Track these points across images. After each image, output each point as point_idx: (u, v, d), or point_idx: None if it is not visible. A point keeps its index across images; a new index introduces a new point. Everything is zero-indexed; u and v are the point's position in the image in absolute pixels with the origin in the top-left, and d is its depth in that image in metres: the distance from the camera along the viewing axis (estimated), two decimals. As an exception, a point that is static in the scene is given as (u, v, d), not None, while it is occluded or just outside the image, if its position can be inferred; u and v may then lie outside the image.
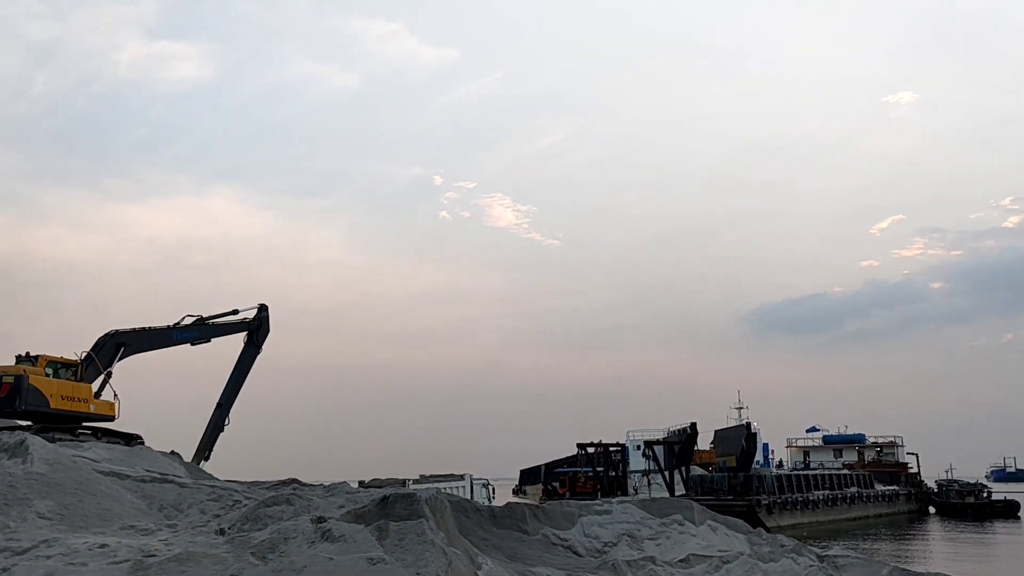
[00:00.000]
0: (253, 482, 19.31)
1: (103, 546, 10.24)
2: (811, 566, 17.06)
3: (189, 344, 30.49)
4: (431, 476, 45.43)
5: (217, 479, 19.66)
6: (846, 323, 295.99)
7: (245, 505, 13.32)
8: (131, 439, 27.11)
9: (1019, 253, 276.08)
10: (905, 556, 43.89)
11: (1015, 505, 78.04)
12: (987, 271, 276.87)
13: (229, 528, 11.87)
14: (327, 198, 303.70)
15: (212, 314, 31.37)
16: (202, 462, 30.65)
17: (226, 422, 31.80)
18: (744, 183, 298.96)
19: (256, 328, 32.71)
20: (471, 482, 47.31)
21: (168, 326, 30.10)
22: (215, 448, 31.58)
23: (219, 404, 31.74)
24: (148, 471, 16.42)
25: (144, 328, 29.50)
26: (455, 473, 48.19)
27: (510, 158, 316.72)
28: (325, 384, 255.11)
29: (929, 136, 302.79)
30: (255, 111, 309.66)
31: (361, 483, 34.41)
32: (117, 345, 28.53)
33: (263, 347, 33.03)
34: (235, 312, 32.10)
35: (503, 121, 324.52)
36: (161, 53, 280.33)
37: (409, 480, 41.79)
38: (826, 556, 18.01)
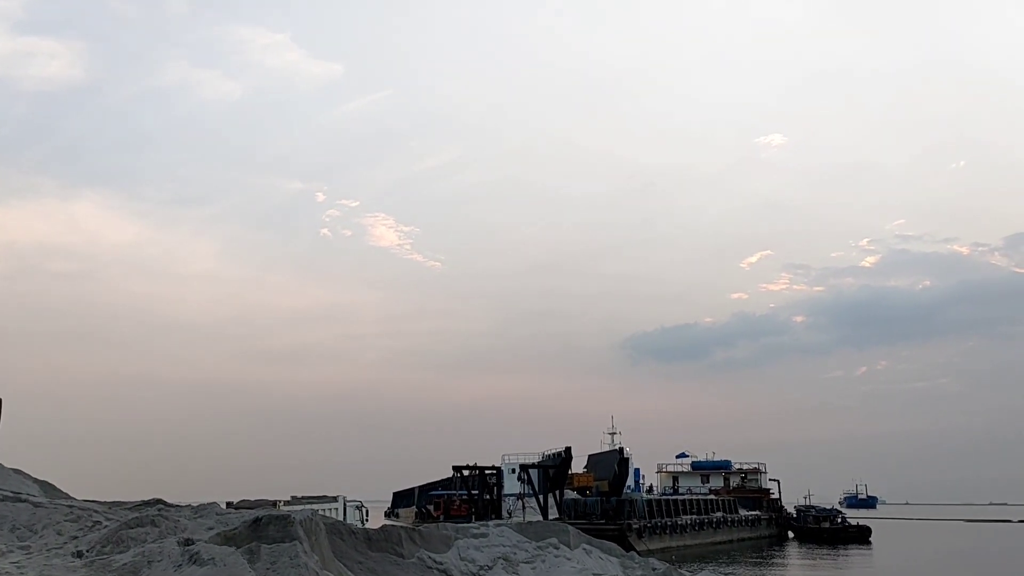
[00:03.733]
0: (114, 502, 18.33)
1: (-54, 570, 9.51)
2: (681, 589, 17.44)
3: None
4: (303, 498, 44.31)
5: (75, 498, 18.58)
6: (715, 352, 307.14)
7: (106, 526, 12.62)
8: (-22, 455, 25.26)
9: (874, 291, 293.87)
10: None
11: (867, 530, 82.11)
12: (845, 307, 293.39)
13: (88, 551, 11.22)
14: (204, 209, 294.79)
15: None
16: None
17: None
18: (624, 212, 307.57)
19: None
20: (344, 504, 46.41)
21: None
22: None
23: None
24: (-2, 489, 15.38)
25: None
26: (328, 495, 47.18)
27: (394, 178, 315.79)
28: (193, 400, 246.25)
29: (797, 177, 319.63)
30: (129, 115, 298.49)
31: (230, 504, 33.18)
32: None
33: None
34: None
35: (388, 140, 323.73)
36: (28, 49, 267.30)
37: (280, 501, 40.65)
38: (695, 579, 18.44)
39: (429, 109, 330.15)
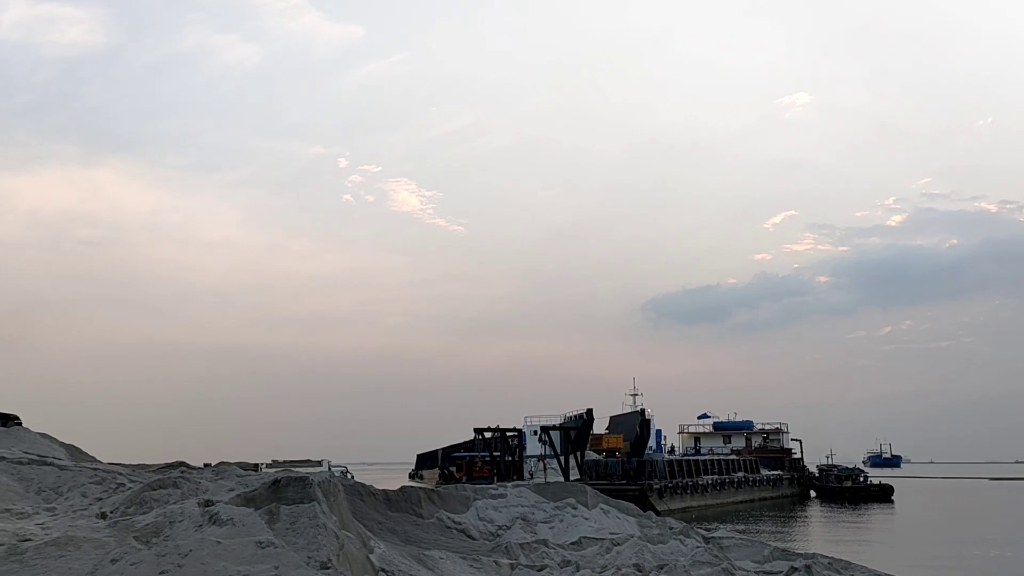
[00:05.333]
0: (138, 465, 18.71)
1: (-26, 530, 9.75)
2: (697, 547, 17.60)
3: None
4: (285, 461, 43.87)
5: (100, 461, 18.97)
6: (737, 314, 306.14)
7: (129, 488, 12.90)
8: (7, 419, 25.65)
9: (899, 250, 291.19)
10: (786, 538, 45.73)
11: (889, 489, 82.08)
12: (870, 267, 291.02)
13: (112, 512, 11.48)
14: (225, 175, 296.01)
15: None
16: None
17: None
18: (645, 174, 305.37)
19: None
20: (329, 468, 45.92)
21: None
22: None
23: None
24: (26, 453, 15.72)
25: None
26: (312, 459, 46.87)
27: (416, 142, 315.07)
28: (216, 365, 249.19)
29: (822, 136, 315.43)
30: (149, 81, 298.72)
31: (207, 465, 33.18)
32: None
33: None
34: None
35: (409, 104, 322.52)
36: (48, 15, 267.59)
37: (262, 464, 40.24)
38: (712, 538, 18.60)
39: (448, 72, 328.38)
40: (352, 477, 50.85)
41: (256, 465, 38.61)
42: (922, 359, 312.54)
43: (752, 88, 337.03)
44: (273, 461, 43.44)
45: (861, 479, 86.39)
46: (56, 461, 14.78)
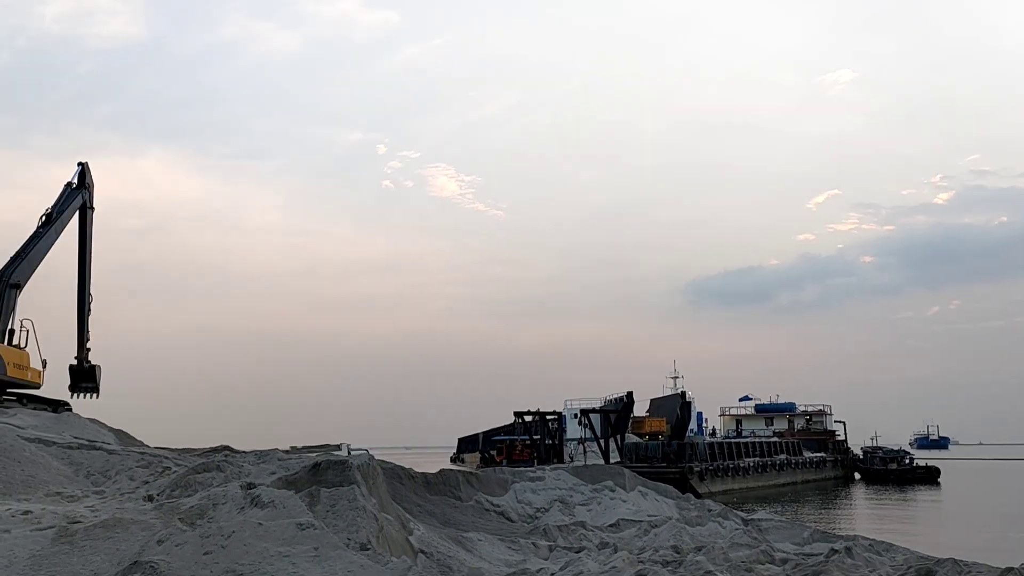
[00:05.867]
0: (184, 449, 19.17)
1: (27, 513, 10.08)
2: (736, 529, 17.58)
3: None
4: (303, 448, 43.85)
5: (147, 446, 19.45)
6: (780, 295, 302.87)
7: (175, 472, 13.23)
8: (58, 406, 26.29)
9: (947, 229, 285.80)
10: (828, 520, 45.39)
11: (935, 471, 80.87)
12: (917, 246, 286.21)
13: (158, 494, 11.78)
14: (267, 162, 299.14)
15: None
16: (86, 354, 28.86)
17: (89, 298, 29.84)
18: (685, 155, 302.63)
19: (90, 187, 30.50)
20: (348, 452, 45.74)
21: (32, 236, 27.42)
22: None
23: (83, 283, 29.38)
24: (76, 438, 16.17)
25: (19, 253, 26.75)
26: (331, 443, 46.75)
27: (454, 126, 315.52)
28: (263, 351, 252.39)
29: (865, 114, 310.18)
30: (191, 70, 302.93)
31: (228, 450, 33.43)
32: (10, 287, 25.96)
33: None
34: (69, 185, 29.65)
35: (446, 88, 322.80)
36: (91, 7, 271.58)
37: (278, 450, 40.30)
38: (751, 520, 18.57)
39: (485, 55, 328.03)
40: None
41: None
42: (972, 339, 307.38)
43: (794, 66, 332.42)
44: (292, 448, 43.61)
45: (907, 461, 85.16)
46: (105, 446, 15.19)
